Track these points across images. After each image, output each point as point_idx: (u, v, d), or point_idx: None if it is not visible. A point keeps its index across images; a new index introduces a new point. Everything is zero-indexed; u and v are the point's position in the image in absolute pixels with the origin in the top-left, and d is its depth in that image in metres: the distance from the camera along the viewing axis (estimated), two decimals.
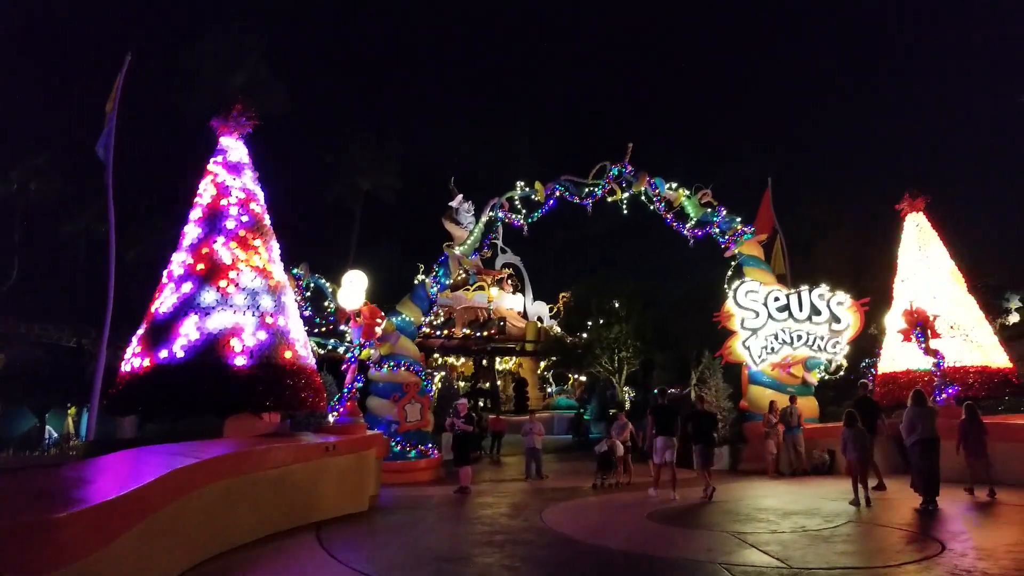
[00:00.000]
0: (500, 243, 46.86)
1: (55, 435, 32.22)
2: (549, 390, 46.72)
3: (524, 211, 22.40)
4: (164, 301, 13.84)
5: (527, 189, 22.43)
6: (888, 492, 14.48)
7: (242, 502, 10.35)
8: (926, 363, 17.45)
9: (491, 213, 22.38)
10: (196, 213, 14.92)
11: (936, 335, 17.00)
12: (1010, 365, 19.17)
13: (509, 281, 48.08)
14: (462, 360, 44.36)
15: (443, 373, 37.98)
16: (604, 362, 32.91)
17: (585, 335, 35.54)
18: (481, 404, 37.58)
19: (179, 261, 14.37)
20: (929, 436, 12.81)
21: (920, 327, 16.85)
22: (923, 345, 16.88)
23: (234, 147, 15.63)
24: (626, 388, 34.06)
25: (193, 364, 12.86)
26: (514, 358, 45.35)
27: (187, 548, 8.75)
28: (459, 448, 17.61)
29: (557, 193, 22.42)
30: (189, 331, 13.24)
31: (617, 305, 33.48)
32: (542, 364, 44.61)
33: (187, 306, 13.49)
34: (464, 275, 33.34)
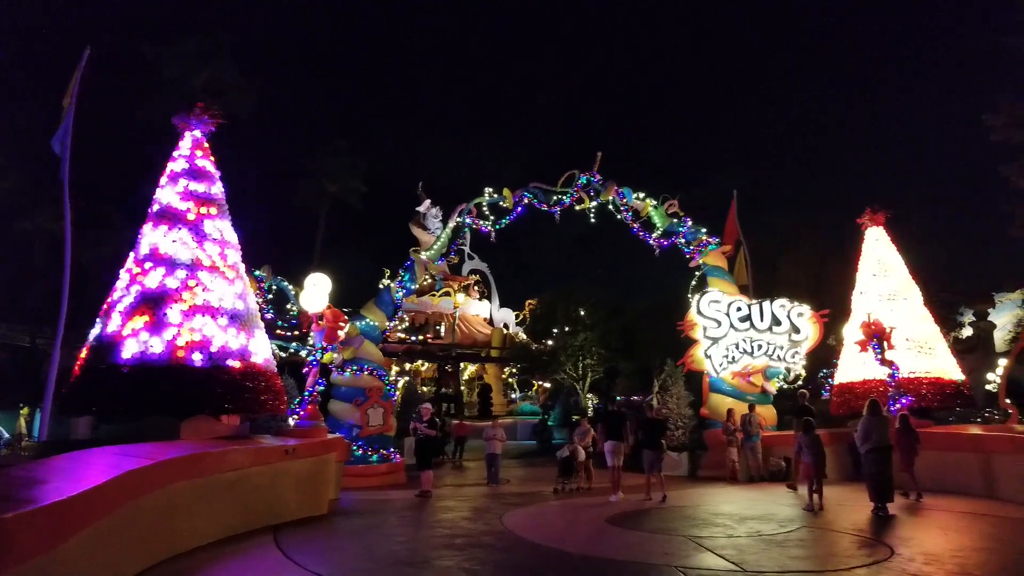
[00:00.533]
0: (467, 249, 46.84)
1: (6, 435, 31.60)
2: (513, 396, 46.77)
3: (492, 217, 22.42)
4: (120, 300, 13.63)
5: (495, 195, 22.45)
6: (841, 498, 14.74)
7: (198, 504, 10.26)
8: (882, 373, 17.79)
9: (459, 219, 22.37)
10: (155, 212, 14.68)
11: (892, 347, 17.36)
12: (963, 377, 19.55)
13: (476, 287, 48.11)
14: (426, 365, 44.25)
15: (407, 378, 37.89)
16: (568, 369, 33.04)
17: (550, 342, 35.66)
18: (445, 409, 37.52)
19: (136, 260, 14.13)
20: (883, 444, 13.12)
21: (877, 338, 17.17)
22: (879, 356, 17.21)
23: (197, 146, 15.42)
24: (590, 395, 34.22)
25: (150, 365, 12.69)
26: (479, 363, 45.33)
27: (141, 550, 8.67)
28: (421, 452, 17.60)
29: (525, 200, 22.47)
30: (146, 331, 13.06)
31: (583, 313, 33.66)
32: (507, 370, 44.64)
33: (144, 306, 13.30)
34: (430, 280, 33.32)
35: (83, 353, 13.44)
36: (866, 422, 13.29)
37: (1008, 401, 17.98)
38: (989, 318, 30.73)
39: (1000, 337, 30.39)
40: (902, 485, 14.27)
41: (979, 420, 19.88)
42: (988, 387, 27.09)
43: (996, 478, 14.69)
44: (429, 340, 41.14)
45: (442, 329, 42.56)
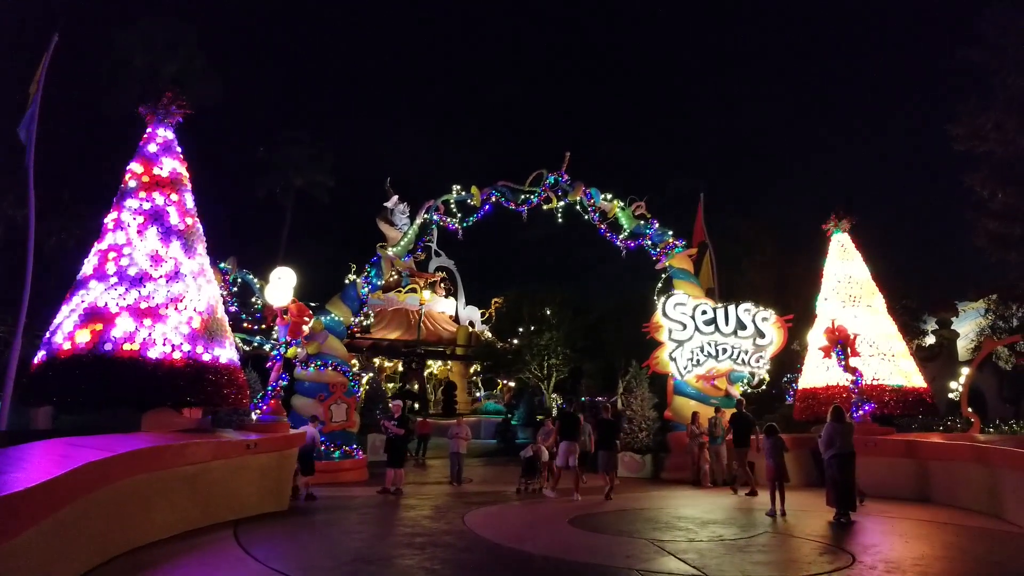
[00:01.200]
0: (434, 246, 46.68)
1: None
2: (478, 394, 46.68)
3: (460, 215, 22.38)
4: (85, 290, 13.40)
5: (463, 193, 22.40)
6: (804, 504, 14.86)
7: (158, 498, 10.12)
8: (845, 380, 17.92)
9: (426, 215, 22.29)
10: (120, 202, 14.48)
11: (855, 353, 17.46)
12: (925, 385, 19.76)
13: (442, 284, 47.95)
14: (391, 361, 44.02)
15: (371, 374, 37.64)
16: (534, 368, 33.07)
17: (516, 341, 35.65)
18: (408, 406, 37.34)
19: (99, 251, 13.92)
20: (846, 451, 13.20)
21: (840, 344, 17.29)
22: (843, 362, 17.33)
23: (162, 136, 15.19)
24: (554, 395, 34.29)
25: (111, 356, 12.49)
26: (444, 361, 45.19)
27: (98, 544, 8.53)
28: (393, 450, 17.29)
29: (493, 198, 22.45)
30: (108, 322, 12.85)
31: (548, 312, 33.70)
32: (472, 368, 44.56)
33: (107, 296, 13.09)
34: (396, 276, 33.15)
35: (43, 343, 13.22)
36: (830, 428, 13.38)
37: (970, 410, 18.26)
38: (952, 326, 31.20)
39: (963, 346, 30.86)
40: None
41: (941, 428, 20.15)
42: (951, 395, 27.51)
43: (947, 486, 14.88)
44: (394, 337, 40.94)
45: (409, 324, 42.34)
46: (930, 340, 31.23)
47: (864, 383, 17.72)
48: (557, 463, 16.72)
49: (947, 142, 26.56)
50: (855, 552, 9.98)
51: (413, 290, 43.93)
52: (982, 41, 25.52)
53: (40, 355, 13.08)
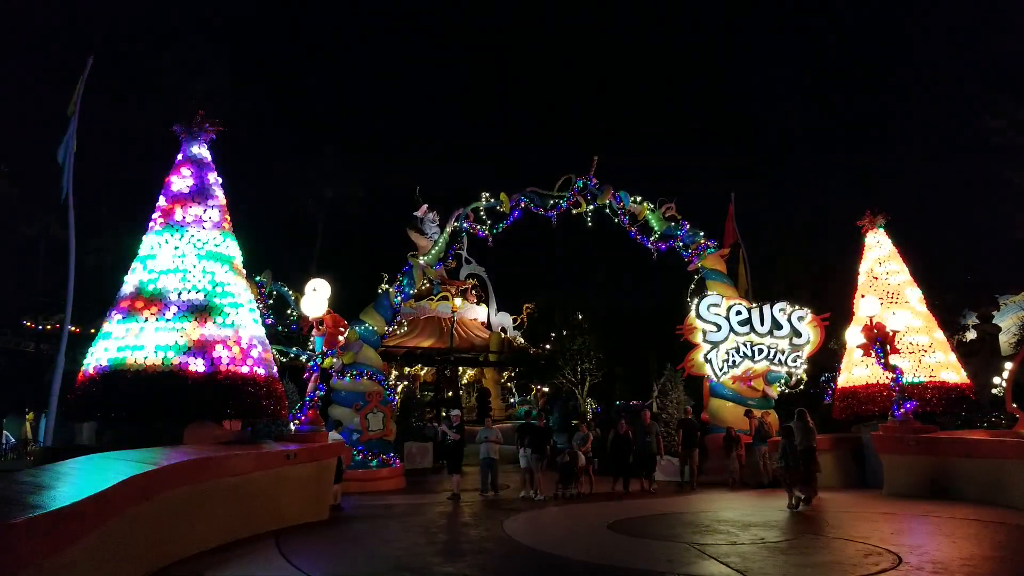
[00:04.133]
0: (464, 254, 46.72)
1: (12, 440, 31.60)
2: (512, 400, 46.62)
3: (489, 222, 22.38)
4: (126, 306, 13.64)
5: (492, 200, 22.39)
6: (847, 504, 14.74)
7: (201, 509, 10.25)
8: (885, 378, 17.70)
9: (456, 224, 22.34)
10: (158, 219, 14.75)
11: (895, 350, 17.22)
12: (967, 381, 19.49)
13: (473, 292, 47.99)
14: (425, 369, 44.11)
15: (406, 382, 37.79)
16: (567, 373, 32.98)
17: (548, 346, 35.58)
18: (443, 414, 37.40)
19: (139, 267, 14.19)
20: (808, 447, 14.81)
21: (880, 342, 17.06)
22: (882, 360, 17.11)
23: (197, 153, 15.45)
24: (589, 399, 34.15)
25: (153, 371, 12.69)
26: (477, 368, 45.21)
27: (144, 555, 8.66)
28: (451, 456, 18.13)
29: (522, 204, 22.43)
30: (149, 338, 13.07)
31: (581, 317, 33.60)
32: (505, 374, 44.52)
33: (147, 312, 13.32)
34: (428, 285, 33.25)
35: (87, 359, 13.47)
36: (796, 425, 15.25)
37: (1015, 405, 17.96)
38: (993, 321, 30.69)
39: (1004, 340, 30.36)
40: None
41: (985, 425, 19.82)
42: (994, 391, 27.04)
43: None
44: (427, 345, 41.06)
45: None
46: (971, 335, 30.74)
47: (904, 381, 17.50)
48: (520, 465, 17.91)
49: (987, 135, 26.15)
50: (901, 553, 9.85)
51: (445, 298, 43.97)
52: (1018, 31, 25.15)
53: (83, 371, 13.32)
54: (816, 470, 15.08)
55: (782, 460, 14.99)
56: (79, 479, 8.25)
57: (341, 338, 16.08)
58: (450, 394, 42.12)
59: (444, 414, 37.29)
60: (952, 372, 19.37)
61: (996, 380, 27.78)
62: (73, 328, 16.30)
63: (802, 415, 15.55)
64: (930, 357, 19.27)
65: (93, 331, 16.32)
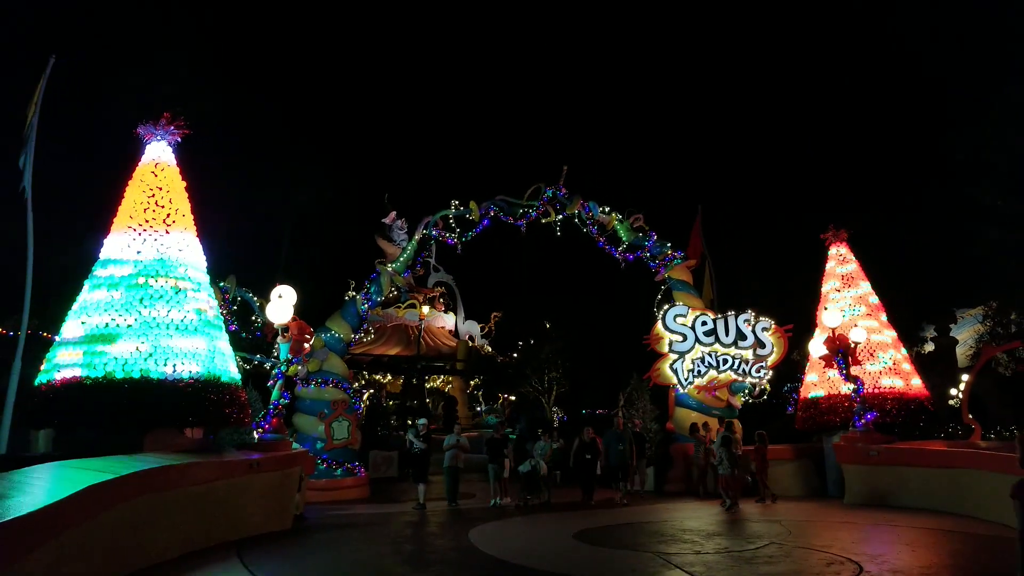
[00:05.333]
0: (433, 261, 46.62)
1: None
2: (479, 409, 46.57)
3: (458, 230, 22.34)
4: (84, 313, 13.40)
5: (461, 208, 22.36)
6: (809, 514, 14.88)
7: (161, 519, 10.08)
8: (846, 388, 17.94)
9: (424, 231, 22.27)
10: (119, 223, 14.48)
11: (857, 362, 17.52)
12: (926, 393, 19.80)
13: (441, 300, 47.89)
14: (390, 378, 43.94)
15: (371, 391, 37.58)
16: (534, 382, 33.03)
17: (516, 355, 35.63)
18: (411, 422, 37.24)
19: (100, 273, 13.92)
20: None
21: (842, 353, 17.31)
22: (844, 371, 17.36)
23: (161, 156, 15.17)
24: (555, 408, 34.22)
25: (113, 377, 12.46)
26: (444, 376, 45.12)
27: (103, 566, 8.49)
28: (418, 465, 17.72)
29: (491, 213, 22.42)
30: (110, 344, 12.84)
31: (548, 326, 33.71)
32: (472, 383, 44.48)
33: (108, 318, 13.09)
34: (396, 292, 33.13)
35: (45, 366, 13.19)
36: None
37: (971, 416, 18.27)
38: (950, 333, 31.24)
39: (961, 352, 30.90)
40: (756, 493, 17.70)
41: (943, 436, 20.13)
42: (951, 402, 27.50)
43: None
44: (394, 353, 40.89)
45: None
46: (929, 347, 31.25)
47: (866, 391, 17.77)
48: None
49: (946, 151, 26.65)
50: (861, 562, 9.96)
51: (412, 305, 43.87)
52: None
53: (42, 377, 13.05)
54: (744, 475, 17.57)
55: (727, 466, 16.63)
56: (36, 488, 8.06)
57: (307, 345, 15.90)
58: (416, 402, 41.98)
59: (411, 423, 37.27)
60: (912, 383, 19.62)
61: (953, 392, 28.27)
62: (30, 332, 15.91)
63: (729, 427, 18.40)
64: (891, 368, 19.50)
65: (48, 335, 16.03)
